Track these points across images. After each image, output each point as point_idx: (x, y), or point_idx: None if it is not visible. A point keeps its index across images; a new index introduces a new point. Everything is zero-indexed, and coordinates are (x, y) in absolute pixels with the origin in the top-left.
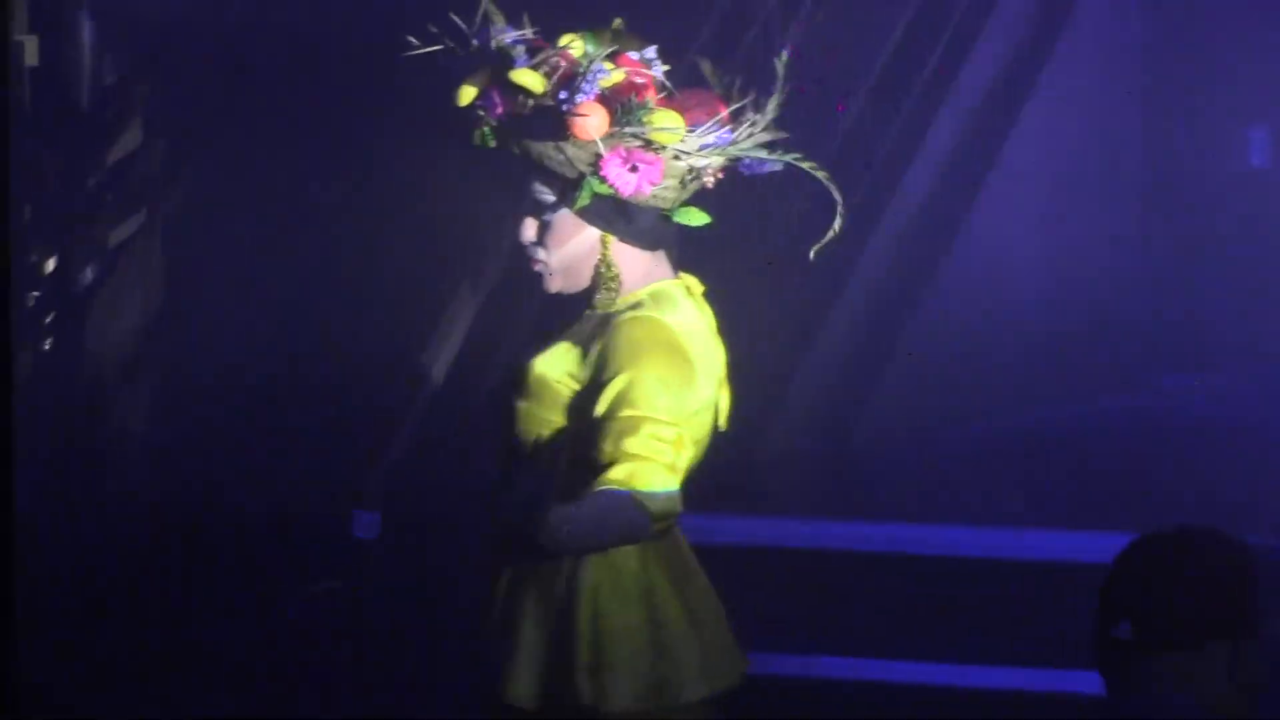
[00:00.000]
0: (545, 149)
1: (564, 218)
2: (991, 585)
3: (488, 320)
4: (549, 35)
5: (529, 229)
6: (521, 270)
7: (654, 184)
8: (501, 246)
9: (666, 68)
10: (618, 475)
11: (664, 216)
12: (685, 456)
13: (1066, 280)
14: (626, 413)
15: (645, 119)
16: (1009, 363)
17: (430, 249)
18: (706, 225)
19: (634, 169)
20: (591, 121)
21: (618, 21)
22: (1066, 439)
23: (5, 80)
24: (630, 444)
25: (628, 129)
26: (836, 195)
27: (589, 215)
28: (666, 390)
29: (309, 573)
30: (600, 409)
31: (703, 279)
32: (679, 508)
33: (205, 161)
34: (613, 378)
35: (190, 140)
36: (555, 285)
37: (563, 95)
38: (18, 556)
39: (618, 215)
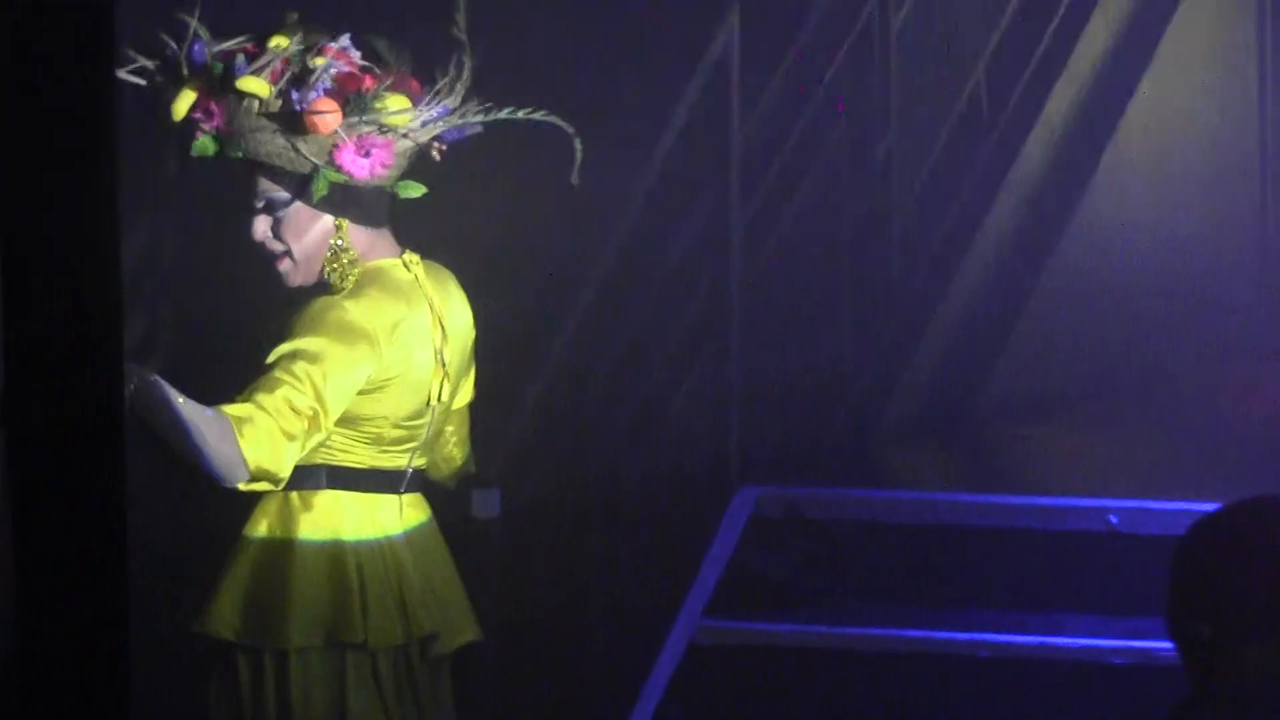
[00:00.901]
0: (275, 148)
1: (297, 211)
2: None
3: (603, 299)
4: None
5: (260, 226)
6: (629, 250)
7: (387, 165)
8: (610, 231)
9: (358, 52)
10: (237, 411)
11: (386, 193)
12: (315, 436)
13: (1176, 265)
14: (275, 372)
15: (378, 105)
16: (1129, 339)
17: (549, 231)
18: (423, 195)
19: (367, 154)
20: (328, 116)
21: (293, 16)
22: (1182, 410)
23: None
24: (261, 397)
25: (363, 117)
26: (565, 125)
27: (325, 204)
28: (324, 366)
29: None
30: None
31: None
32: (281, 475)
33: None
34: (275, 345)
35: None
36: (298, 279)
37: (295, 95)
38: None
39: (348, 200)
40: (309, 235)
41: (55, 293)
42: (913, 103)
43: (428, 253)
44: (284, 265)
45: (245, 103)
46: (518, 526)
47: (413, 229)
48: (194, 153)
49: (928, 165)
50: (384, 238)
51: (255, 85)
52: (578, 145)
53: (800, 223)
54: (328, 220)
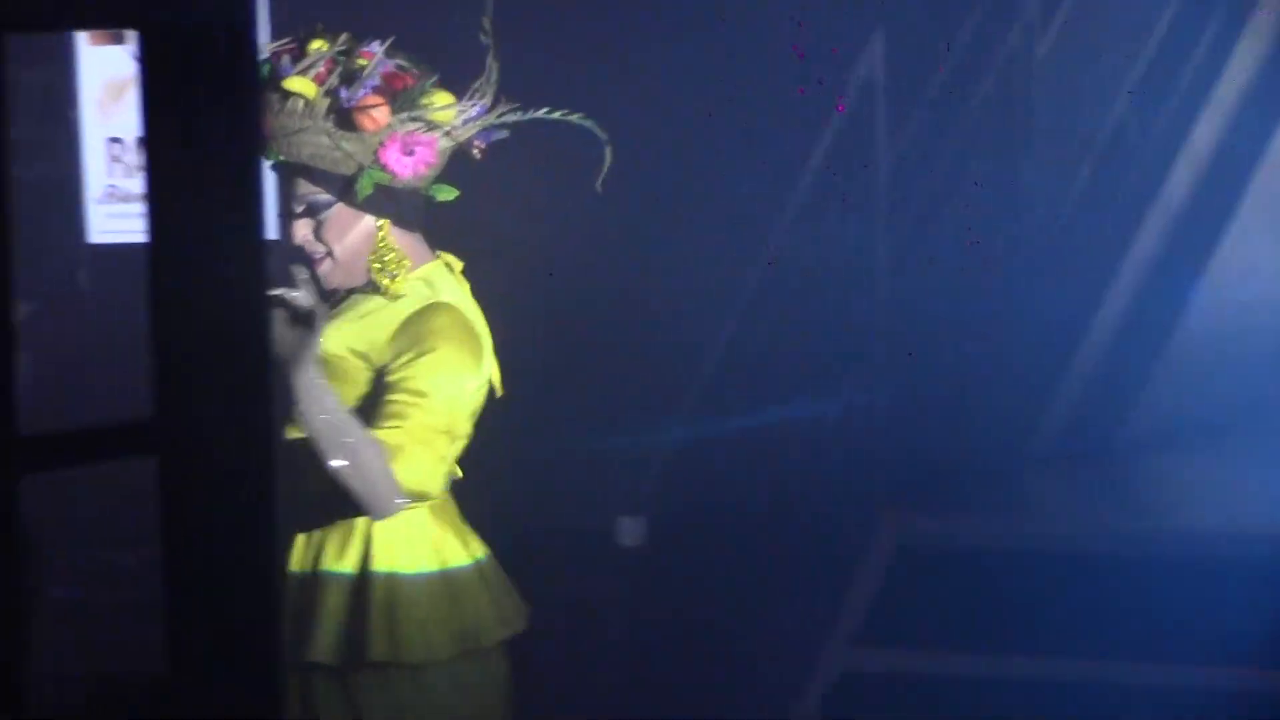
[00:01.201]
0: (319, 149)
1: (339, 213)
2: None
3: (748, 325)
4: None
5: (302, 230)
6: (773, 273)
7: (430, 165)
8: (775, 250)
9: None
10: (391, 440)
11: (421, 196)
12: (456, 447)
13: None
14: (406, 397)
15: (424, 101)
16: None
17: (698, 251)
18: (455, 198)
19: (410, 153)
20: (377, 112)
21: (319, 26)
22: None
23: None
24: (406, 424)
25: (410, 113)
26: (600, 133)
27: (368, 205)
28: (452, 378)
29: (574, 580)
30: (387, 391)
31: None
32: (434, 492)
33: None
34: (405, 362)
35: None
36: (336, 280)
37: (344, 93)
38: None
39: (389, 200)
40: (350, 237)
41: (205, 312)
42: (1055, 128)
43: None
44: (324, 267)
45: (289, 104)
46: (662, 554)
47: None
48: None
49: (1072, 191)
50: (420, 241)
51: (302, 85)
52: (608, 153)
53: (946, 244)
54: (369, 221)
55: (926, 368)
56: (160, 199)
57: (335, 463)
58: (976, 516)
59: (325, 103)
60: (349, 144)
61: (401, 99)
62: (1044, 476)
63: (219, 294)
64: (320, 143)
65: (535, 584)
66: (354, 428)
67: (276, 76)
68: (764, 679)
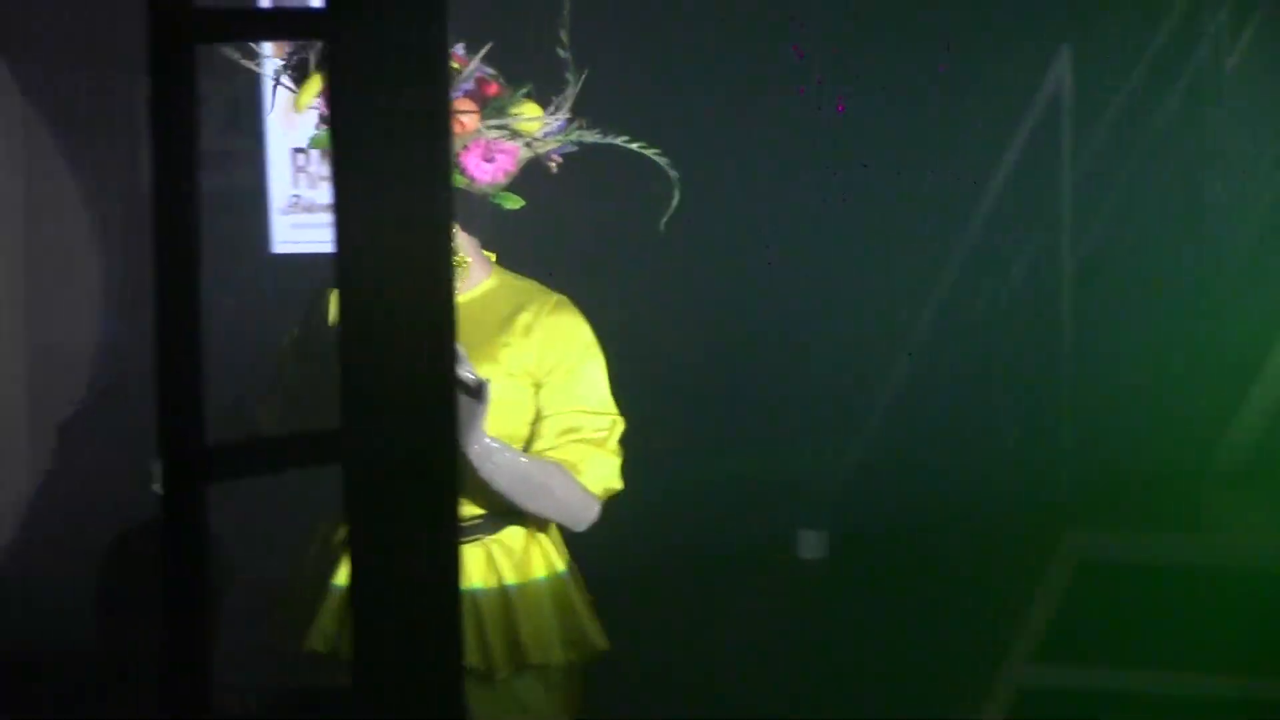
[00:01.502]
0: None
1: None
2: None
3: (944, 339)
4: None
5: None
6: (958, 291)
7: (507, 173)
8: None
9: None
10: (562, 456)
11: (488, 204)
12: (619, 434)
13: None
14: (571, 406)
15: (513, 110)
16: None
17: (879, 268)
18: (520, 207)
19: (491, 159)
20: (467, 117)
21: None
22: None
23: None
24: (580, 433)
25: (498, 121)
26: (670, 170)
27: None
28: (600, 370)
29: (753, 592)
30: (552, 402)
31: None
32: (620, 486)
33: None
34: (564, 371)
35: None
36: None
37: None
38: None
39: (460, 204)
40: None
41: (391, 322)
42: (1245, 144)
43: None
44: None
45: None
46: (842, 567)
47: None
48: (311, 145)
49: (1259, 207)
50: (476, 245)
51: None
52: (676, 194)
53: (1129, 259)
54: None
55: (1111, 382)
56: (348, 209)
57: (532, 506)
58: (1159, 532)
59: None
60: None
61: (491, 106)
62: (1229, 492)
63: (405, 304)
64: None
65: (718, 597)
66: (535, 469)
67: None
68: (942, 694)
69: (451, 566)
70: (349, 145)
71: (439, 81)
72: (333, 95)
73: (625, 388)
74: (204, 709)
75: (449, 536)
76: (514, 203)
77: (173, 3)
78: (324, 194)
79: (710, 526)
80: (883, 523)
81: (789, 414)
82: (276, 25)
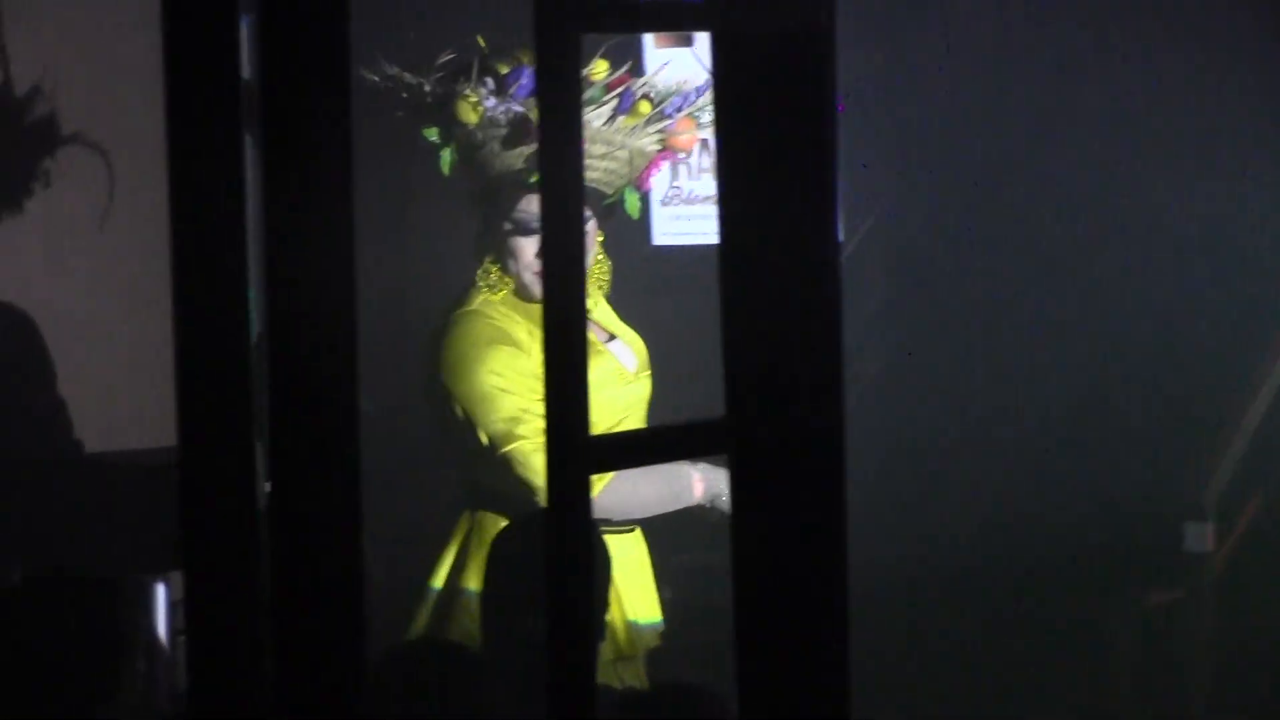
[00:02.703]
0: (599, 171)
1: (591, 229)
2: None
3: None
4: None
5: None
6: None
7: (652, 178)
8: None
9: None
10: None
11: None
12: None
13: None
14: None
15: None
16: None
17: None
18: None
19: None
20: (684, 137)
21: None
22: None
23: None
24: None
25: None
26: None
27: (606, 217)
28: None
29: (1140, 584)
30: None
31: None
32: None
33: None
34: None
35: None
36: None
37: (668, 111)
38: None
39: (610, 214)
40: (591, 251)
41: (776, 313)
42: None
43: None
44: None
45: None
46: (1228, 559)
47: None
48: (447, 170)
49: None
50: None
51: (644, 106)
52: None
53: None
54: (593, 230)
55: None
56: (734, 202)
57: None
58: None
59: (631, 125)
60: (612, 162)
61: (702, 121)
62: None
63: (791, 295)
64: (602, 165)
65: (1101, 590)
66: (673, 478)
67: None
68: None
69: (841, 556)
70: (733, 136)
71: (825, 68)
72: (717, 87)
73: None
74: (590, 683)
75: (838, 526)
76: (634, 207)
77: None
78: (705, 186)
79: (1094, 515)
80: (1270, 513)
81: (1176, 403)
82: (661, 18)
